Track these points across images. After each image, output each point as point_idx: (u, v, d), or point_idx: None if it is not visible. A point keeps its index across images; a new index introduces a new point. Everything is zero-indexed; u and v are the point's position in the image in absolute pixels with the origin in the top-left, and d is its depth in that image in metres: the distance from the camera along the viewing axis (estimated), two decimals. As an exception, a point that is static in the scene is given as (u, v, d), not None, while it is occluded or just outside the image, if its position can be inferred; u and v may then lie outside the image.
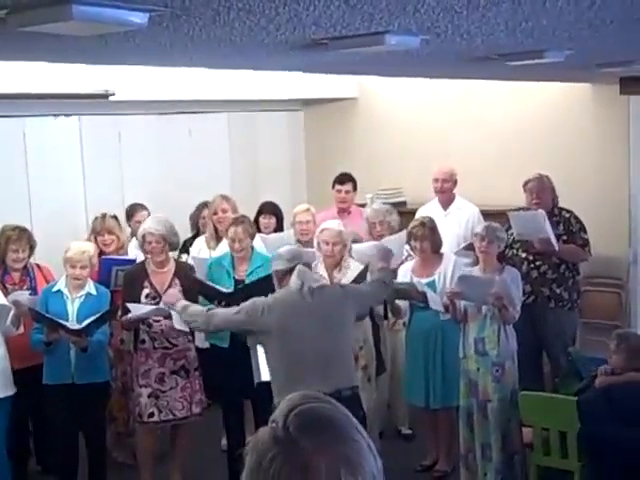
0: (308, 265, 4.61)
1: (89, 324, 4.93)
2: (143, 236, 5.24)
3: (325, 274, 5.35)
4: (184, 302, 4.73)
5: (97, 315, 4.97)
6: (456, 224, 6.57)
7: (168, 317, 5.08)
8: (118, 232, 5.99)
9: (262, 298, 4.48)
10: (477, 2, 2.52)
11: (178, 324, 5.00)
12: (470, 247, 5.51)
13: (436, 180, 6.80)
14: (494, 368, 5.03)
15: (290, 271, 4.44)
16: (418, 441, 5.98)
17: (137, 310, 5.07)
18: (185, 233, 6.41)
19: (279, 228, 6.58)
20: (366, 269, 5.19)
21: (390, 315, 5.76)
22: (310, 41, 3.18)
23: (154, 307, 5.11)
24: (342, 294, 4.56)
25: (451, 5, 2.55)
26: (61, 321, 4.95)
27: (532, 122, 7.64)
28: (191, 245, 6.30)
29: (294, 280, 4.38)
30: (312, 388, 3.84)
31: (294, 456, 1.17)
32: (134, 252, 5.88)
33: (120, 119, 7.20)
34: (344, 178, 7.02)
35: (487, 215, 6.60)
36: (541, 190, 6.17)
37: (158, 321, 5.17)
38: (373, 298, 4.90)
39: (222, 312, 4.60)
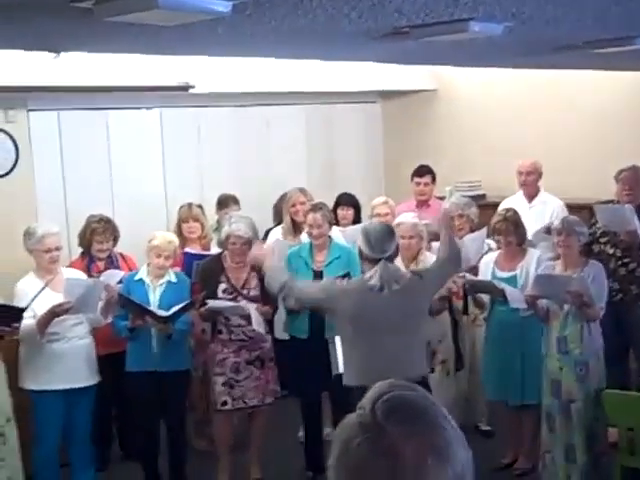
0: (394, 253, 4.51)
1: (175, 312, 4.98)
2: (228, 236, 5.23)
3: (403, 267, 5.30)
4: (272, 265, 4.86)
5: (183, 304, 5.02)
6: (540, 217, 6.43)
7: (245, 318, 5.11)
8: (203, 220, 6.11)
9: (340, 281, 4.50)
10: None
11: (257, 325, 5.03)
12: (548, 230, 5.40)
13: (520, 173, 6.69)
14: (578, 367, 4.91)
15: (374, 261, 4.33)
16: (497, 438, 5.89)
17: (215, 305, 5.10)
18: (264, 223, 6.44)
19: (357, 220, 6.55)
20: None
21: (471, 309, 5.69)
22: (392, 29, 3.15)
23: (232, 304, 5.13)
24: (421, 285, 4.49)
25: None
26: (150, 308, 5.02)
27: (620, 111, 7.44)
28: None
29: (374, 276, 4.30)
30: (382, 375, 3.81)
31: (381, 442, 1.16)
32: (216, 248, 5.91)
33: (199, 111, 7.27)
34: (423, 170, 6.96)
35: (572, 208, 6.46)
36: (635, 182, 6.00)
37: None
38: (445, 275, 4.80)
39: (302, 284, 4.68)
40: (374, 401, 1.20)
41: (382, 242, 4.33)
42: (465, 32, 3.04)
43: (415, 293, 4.43)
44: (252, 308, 5.11)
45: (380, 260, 4.29)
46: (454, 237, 4.93)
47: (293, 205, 6.07)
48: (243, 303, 5.15)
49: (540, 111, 7.87)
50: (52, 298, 4.90)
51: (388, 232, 4.46)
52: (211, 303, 5.09)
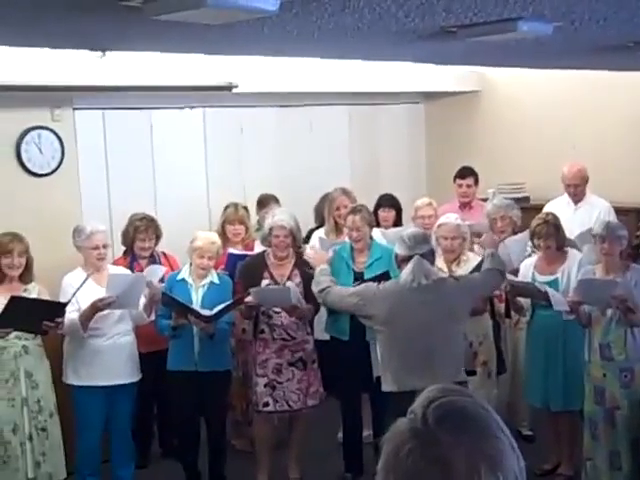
0: (430, 254, 4.53)
1: (219, 311, 4.99)
2: (271, 228, 5.22)
3: (445, 268, 5.27)
4: (322, 266, 4.92)
5: (227, 303, 5.02)
6: (587, 219, 6.33)
7: (289, 310, 5.09)
8: (248, 223, 6.11)
9: (374, 285, 4.54)
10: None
11: (295, 300, 5.01)
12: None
13: (568, 186, 6.60)
14: (622, 374, 4.83)
15: (410, 258, 4.38)
16: (539, 443, 5.81)
17: (260, 292, 5.06)
18: (306, 224, 6.44)
19: (398, 221, 6.52)
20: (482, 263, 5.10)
21: (512, 313, 5.63)
22: (439, 29, 3.12)
23: (278, 287, 5.11)
24: (456, 287, 4.51)
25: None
26: (193, 306, 5.03)
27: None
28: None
29: (407, 272, 4.36)
30: (418, 379, 3.84)
31: (432, 449, 1.13)
32: (260, 248, 5.91)
33: (242, 111, 7.28)
34: (465, 172, 6.91)
35: (618, 211, 6.37)
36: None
37: (278, 312, 5.19)
38: (487, 286, 4.83)
39: (338, 289, 4.71)
40: (425, 407, 1.18)
41: (415, 240, 4.42)
42: (514, 32, 3.00)
43: (449, 294, 4.43)
44: (291, 284, 5.11)
45: (414, 256, 4.35)
46: (498, 254, 4.92)
47: (337, 207, 6.04)
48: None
49: (586, 112, 7.77)
50: (96, 292, 4.95)
51: (422, 234, 4.58)
52: (254, 292, 5.04)
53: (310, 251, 5.34)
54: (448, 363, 4.34)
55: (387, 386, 4.42)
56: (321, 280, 4.78)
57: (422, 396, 1.21)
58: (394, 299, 4.38)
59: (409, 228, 4.90)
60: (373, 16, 2.78)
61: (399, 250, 4.46)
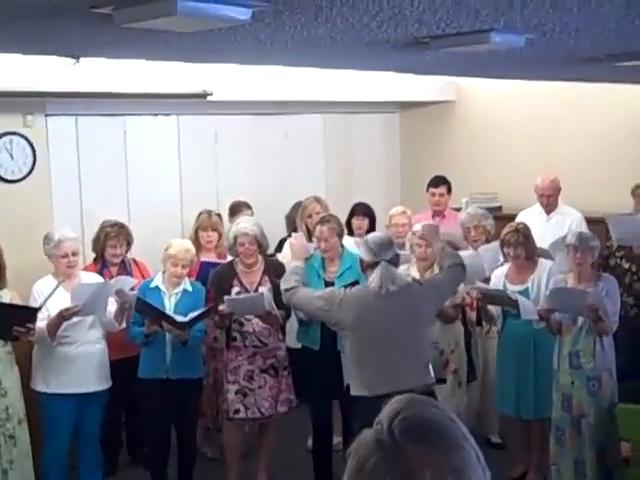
0: (395, 259, 4.53)
1: (193, 318, 4.97)
2: (235, 237, 5.23)
3: (418, 276, 5.28)
4: (297, 263, 4.88)
5: (201, 310, 5.01)
6: (559, 229, 6.38)
7: (262, 317, 5.08)
8: (221, 230, 6.09)
9: (341, 290, 4.52)
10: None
11: (268, 305, 5.00)
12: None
13: (541, 196, 6.66)
14: (590, 382, 4.88)
15: (375, 264, 4.40)
16: (508, 451, 5.85)
17: (234, 302, 5.06)
18: (281, 232, 6.43)
19: (372, 229, 6.51)
20: None
21: (483, 322, 5.66)
22: (412, 39, 3.14)
23: (251, 295, 5.10)
24: (421, 291, 4.53)
25: (561, 1, 2.46)
26: (168, 312, 5.01)
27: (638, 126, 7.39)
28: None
29: (374, 278, 4.37)
30: (387, 384, 3.83)
31: (398, 463, 1.12)
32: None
33: (217, 119, 7.27)
34: (438, 181, 6.94)
35: (589, 221, 6.42)
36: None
37: (249, 319, 5.19)
38: (452, 284, 4.81)
39: (305, 290, 4.68)
40: (392, 418, 1.17)
41: (381, 247, 4.43)
42: (486, 43, 3.02)
43: (415, 298, 4.45)
44: (264, 290, 5.10)
45: (379, 263, 4.37)
46: (448, 248, 4.93)
47: (309, 215, 6.05)
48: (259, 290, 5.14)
49: (559, 123, 7.84)
50: (66, 300, 4.91)
51: (387, 240, 4.59)
52: (227, 300, 5.02)
53: (292, 239, 5.25)
54: (416, 367, 4.35)
55: (356, 390, 4.41)
56: (290, 278, 4.74)
57: (388, 407, 1.20)
58: (361, 305, 4.39)
59: (373, 233, 4.89)
60: (346, 26, 2.79)
61: (364, 256, 4.48)
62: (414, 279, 4.82)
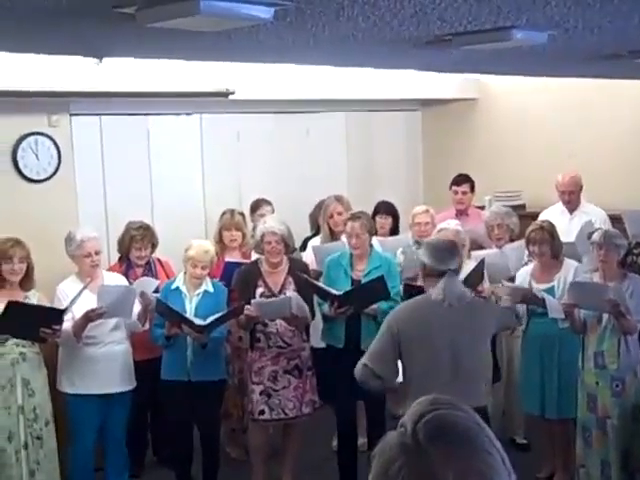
0: (459, 269, 4.28)
1: (213, 321, 4.97)
2: (262, 235, 5.21)
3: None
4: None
5: (222, 313, 5.00)
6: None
7: (287, 319, 5.07)
8: (244, 229, 6.08)
9: (395, 313, 4.15)
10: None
11: (297, 310, 4.95)
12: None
13: (562, 192, 6.61)
14: (614, 383, 4.83)
15: (440, 273, 4.07)
16: (534, 452, 5.80)
17: (261, 305, 5.03)
18: (303, 232, 6.43)
19: (395, 228, 6.52)
20: (480, 265, 5.10)
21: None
22: (433, 37, 3.12)
23: (279, 298, 5.07)
24: (485, 307, 4.40)
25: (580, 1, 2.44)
26: (187, 316, 5.01)
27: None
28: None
29: (438, 291, 4.06)
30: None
31: (422, 466, 1.11)
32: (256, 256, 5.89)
33: (239, 118, 7.27)
34: (461, 179, 6.92)
35: (614, 219, 6.36)
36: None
37: (273, 321, 5.18)
38: (504, 319, 4.73)
39: (369, 361, 4.14)
40: (416, 421, 1.16)
41: (447, 255, 4.12)
42: (508, 40, 3.00)
43: (480, 314, 4.22)
44: (293, 294, 5.07)
45: (444, 273, 4.06)
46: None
47: (330, 215, 6.04)
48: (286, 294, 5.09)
49: (583, 121, 7.78)
50: (90, 301, 4.94)
51: (452, 246, 4.30)
52: (256, 300, 5.01)
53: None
54: (470, 386, 4.03)
55: (405, 401, 3.99)
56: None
57: (412, 409, 1.19)
58: (421, 316, 4.10)
59: (437, 237, 4.70)
60: (367, 24, 2.78)
61: (428, 261, 4.10)
62: (477, 295, 4.62)
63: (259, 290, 5.20)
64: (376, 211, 6.53)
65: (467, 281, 4.80)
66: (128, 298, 4.98)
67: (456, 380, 3.98)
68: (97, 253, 5.14)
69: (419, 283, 4.56)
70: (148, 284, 5.22)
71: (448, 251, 4.15)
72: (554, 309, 5.04)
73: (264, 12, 2.41)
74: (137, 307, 5.11)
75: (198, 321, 4.97)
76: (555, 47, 3.44)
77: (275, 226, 5.19)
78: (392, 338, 4.08)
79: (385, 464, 1.14)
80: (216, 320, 4.96)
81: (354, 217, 5.32)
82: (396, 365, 4.13)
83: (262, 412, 5.19)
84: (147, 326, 5.18)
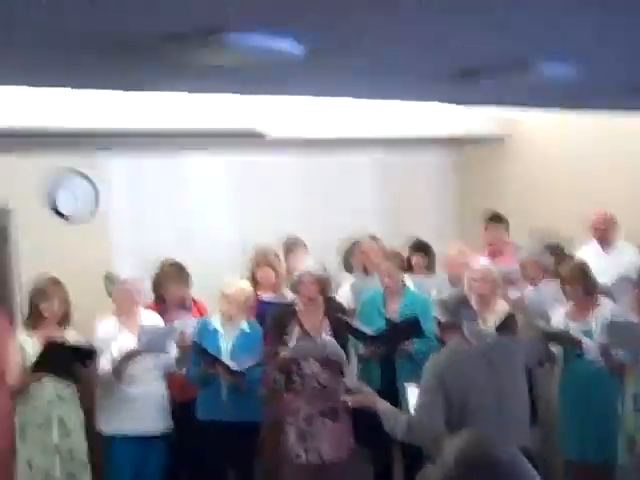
0: (474, 317, 4.27)
1: (248, 368, 4.97)
2: (299, 276, 5.23)
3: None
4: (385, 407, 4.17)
5: (257, 361, 5.02)
6: (618, 265, 6.26)
7: (323, 362, 5.06)
8: (277, 267, 6.08)
9: (433, 365, 4.05)
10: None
11: (331, 352, 4.95)
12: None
13: (596, 230, 6.58)
14: None
15: (454, 324, 4.11)
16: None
17: (297, 349, 5.04)
18: (333, 272, 6.42)
19: (430, 267, 6.51)
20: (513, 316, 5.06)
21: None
22: (460, 70, 3.14)
23: (313, 341, 5.05)
24: (511, 344, 4.38)
25: (611, 32, 2.45)
26: (224, 360, 5.02)
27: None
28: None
29: (462, 338, 4.07)
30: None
31: None
32: (290, 294, 5.90)
33: (271, 157, 7.31)
34: (494, 217, 6.90)
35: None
36: None
37: (308, 361, 5.16)
38: (533, 352, 4.71)
39: (417, 416, 4.07)
40: (458, 457, 1.15)
41: (458, 306, 4.16)
42: (534, 73, 3.02)
43: (508, 350, 4.22)
44: (328, 338, 5.05)
45: (460, 324, 4.09)
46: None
47: (365, 253, 6.05)
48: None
49: (618, 158, 7.72)
50: (128, 340, 4.98)
51: (463, 297, 4.34)
52: (294, 345, 5.01)
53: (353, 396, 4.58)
54: (513, 425, 3.98)
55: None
56: (395, 424, 4.07)
57: (454, 444, 1.18)
58: (458, 362, 4.04)
59: (448, 292, 4.69)
60: (393, 59, 2.81)
61: (443, 316, 4.16)
62: (502, 334, 4.62)
63: (295, 332, 5.20)
64: (411, 249, 6.53)
65: (502, 326, 4.80)
66: (168, 337, 5.03)
67: (500, 421, 3.91)
68: (138, 293, 5.20)
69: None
70: (187, 324, 5.26)
71: (460, 302, 4.19)
72: (591, 350, 4.98)
73: (294, 47, 2.45)
74: (173, 350, 5.14)
75: (233, 365, 4.97)
76: (584, 79, 3.45)
77: (314, 267, 5.20)
78: (440, 390, 3.96)
79: None
80: (251, 367, 4.96)
81: (388, 257, 5.35)
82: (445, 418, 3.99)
83: (298, 456, 5.13)
84: (183, 370, 5.19)
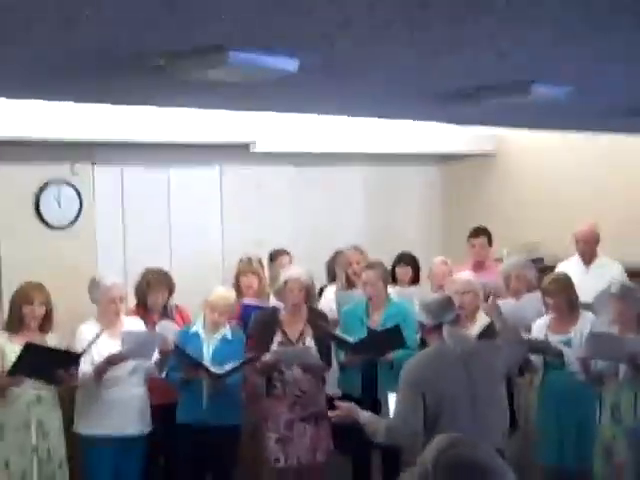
0: (457, 320, 4.33)
1: (230, 370, 4.98)
2: (286, 281, 5.24)
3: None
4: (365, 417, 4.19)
5: (239, 362, 5.03)
6: (599, 281, 6.32)
7: (304, 368, 5.08)
8: (261, 274, 6.12)
9: (408, 372, 4.09)
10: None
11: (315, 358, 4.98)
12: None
13: (578, 242, 6.65)
14: (630, 437, 4.77)
15: (437, 327, 4.15)
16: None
17: (281, 354, 5.06)
18: (319, 282, 6.45)
19: (416, 279, 6.55)
20: (496, 319, 5.10)
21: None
22: (455, 91, 3.18)
23: (298, 348, 5.09)
24: (491, 349, 4.39)
25: (607, 54, 2.49)
26: (204, 363, 5.04)
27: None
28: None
29: (445, 342, 4.11)
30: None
31: None
32: (275, 300, 5.92)
33: (259, 170, 7.35)
34: (478, 232, 6.95)
35: (631, 275, 6.36)
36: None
37: (289, 369, 5.19)
38: (514, 358, 4.69)
39: (396, 418, 4.12)
40: (436, 457, 1.18)
41: (441, 308, 4.18)
42: (528, 95, 3.06)
43: (487, 356, 4.25)
44: (309, 340, 5.10)
45: (442, 325, 4.13)
46: (508, 324, 4.88)
47: (349, 263, 6.08)
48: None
49: (601, 175, 7.81)
50: (110, 345, 4.98)
51: (447, 300, 4.33)
52: (276, 349, 5.03)
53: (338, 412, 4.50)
54: (494, 429, 4.08)
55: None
56: (376, 430, 4.12)
57: (432, 447, 1.21)
58: (437, 366, 4.09)
59: (431, 295, 4.73)
60: (389, 78, 2.84)
61: (425, 319, 4.20)
62: (483, 339, 4.64)
63: (277, 338, 5.21)
64: (397, 262, 6.57)
65: (482, 336, 4.83)
66: (152, 342, 5.04)
67: (474, 425, 3.97)
68: (121, 300, 5.20)
69: None
70: (169, 329, 5.26)
71: (443, 306, 4.20)
72: (573, 361, 5.03)
73: (289, 64, 2.48)
74: (155, 354, 5.15)
75: (214, 368, 4.99)
76: (575, 102, 3.49)
77: (300, 273, 5.21)
78: (417, 391, 4.02)
79: None
80: (232, 369, 4.98)
81: (369, 266, 5.39)
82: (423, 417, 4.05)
83: (277, 460, 5.17)
84: (163, 374, 5.20)
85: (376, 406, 5.07)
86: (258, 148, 6.68)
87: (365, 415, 4.16)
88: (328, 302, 6.10)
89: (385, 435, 4.05)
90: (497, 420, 4.18)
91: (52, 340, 5.01)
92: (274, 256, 6.56)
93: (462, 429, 3.84)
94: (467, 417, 4.02)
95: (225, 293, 5.30)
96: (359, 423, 4.13)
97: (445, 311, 4.19)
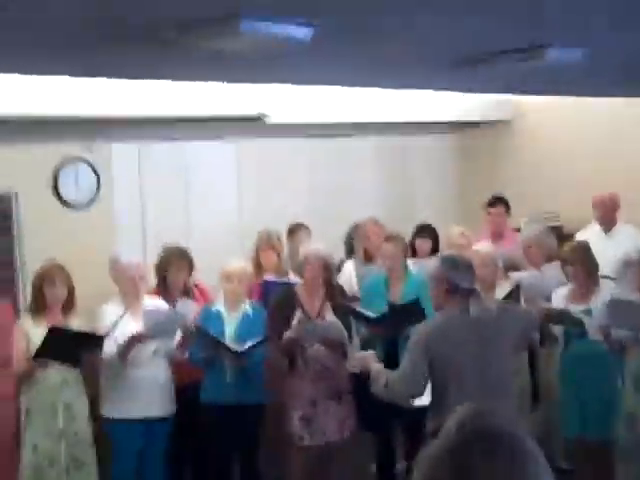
0: (470, 288, 4.23)
1: (251, 347, 4.98)
2: (306, 257, 5.20)
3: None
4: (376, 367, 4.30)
5: (258, 339, 5.02)
6: (619, 248, 6.27)
7: (324, 343, 5.07)
8: (280, 250, 6.09)
9: (419, 335, 4.11)
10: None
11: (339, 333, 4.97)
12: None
13: (596, 209, 6.59)
14: None
15: (456, 289, 4.10)
16: (577, 477, 5.69)
17: (303, 329, 5.01)
18: (338, 255, 6.43)
19: (435, 250, 6.51)
20: (517, 289, 5.06)
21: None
22: (468, 57, 3.14)
23: (322, 322, 5.04)
24: (510, 318, 4.31)
25: (621, 20, 2.45)
26: (225, 342, 5.03)
27: None
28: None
29: (459, 309, 4.08)
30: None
31: (464, 476, 1.12)
32: (294, 277, 5.90)
33: (274, 143, 7.31)
34: (496, 200, 6.90)
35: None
36: None
37: (312, 344, 5.18)
38: (530, 324, 4.63)
39: (398, 375, 4.17)
40: (459, 429, 1.16)
41: (461, 270, 4.14)
42: (543, 59, 3.01)
43: (505, 325, 4.20)
44: (332, 318, 5.04)
45: (464, 290, 4.09)
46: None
47: (367, 236, 6.05)
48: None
49: (619, 140, 7.72)
50: (132, 326, 4.99)
51: (468, 263, 4.27)
52: (299, 325, 4.98)
53: (355, 361, 4.76)
54: (504, 402, 4.03)
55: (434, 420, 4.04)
56: (378, 383, 4.22)
57: (456, 417, 1.19)
58: (447, 333, 4.08)
59: (452, 256, 4.67)
60: (403, 45, 2.81)
61: (450, 274, 4.10)
62: (499, 305, 4.57)
63: (296, 316, 5.19)
64: (415, 233, 6.53)
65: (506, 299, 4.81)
66: (173, 321, 5.04)
67: (484, 396, 3.94)
68: (141, 278, 5.20)
69: None
70: (189, 308, 5.26)
71: (463, 268, 4.15)
72: (593, 330, 5.00)
73: (302, 33, 2.44)
74: (177, 334, 5.15)
75: (236, 346, 4.98)
76: (591, 65, 3.44)
77: (319, 250, 5.19)
78: (424, 355, 4.04)
79: (431, 471, 1.14)
80: (253, 346, 4.97)
81: (388, 239, 5.35)
82: (426, 382, 4.10)
83: (302, 438, 5.15)
84: (186, 355, 5.20)
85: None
86: (272, 120, 6.63)
87: (377, 366, 4.26)
88: (347, 277, 6.08)
89: (384, 391, 4.14)
90: (505, 390, 4.14)
91: (75, 322, 5.02)
92: (292, 230, 6.53)
93: (472, 398, 3.79)
94: (475, 388, 3.99)
95: (239, 262, 5.29)
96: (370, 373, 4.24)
97: (466, 273, 4.14)
